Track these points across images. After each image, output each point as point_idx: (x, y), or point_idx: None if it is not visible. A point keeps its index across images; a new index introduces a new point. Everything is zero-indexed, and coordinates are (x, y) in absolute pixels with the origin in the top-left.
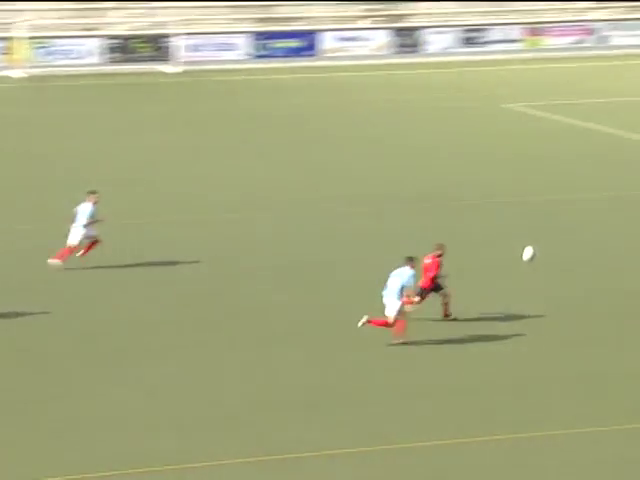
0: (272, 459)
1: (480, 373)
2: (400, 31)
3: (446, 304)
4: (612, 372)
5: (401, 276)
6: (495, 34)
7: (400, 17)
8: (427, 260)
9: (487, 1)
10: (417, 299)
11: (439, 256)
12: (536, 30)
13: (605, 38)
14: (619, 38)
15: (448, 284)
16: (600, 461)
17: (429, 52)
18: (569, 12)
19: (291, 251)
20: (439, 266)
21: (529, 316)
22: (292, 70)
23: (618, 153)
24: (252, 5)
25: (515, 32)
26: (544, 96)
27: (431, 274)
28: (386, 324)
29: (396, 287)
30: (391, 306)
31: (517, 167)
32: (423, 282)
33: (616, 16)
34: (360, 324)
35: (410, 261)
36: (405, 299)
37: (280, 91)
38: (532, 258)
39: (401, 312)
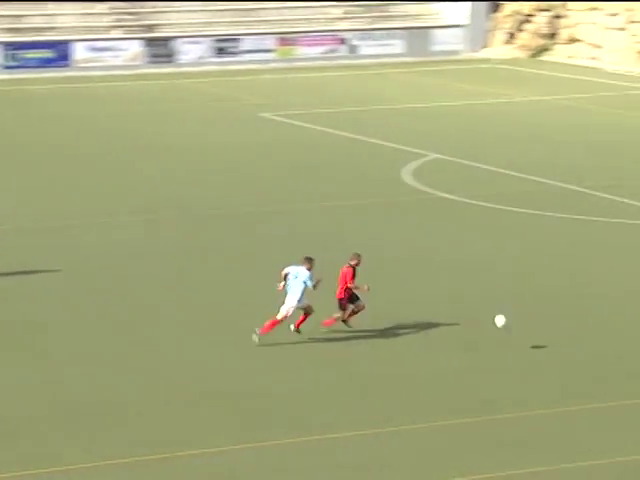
0: (41, 472)
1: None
2: (153, 41)
3: (355, 312)
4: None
5: (299, 277)
6: (247, 44)
7: (152, 27)
8: (343, 270)
9: (238, 11)
10: (338, 315)
11: (354, 266)
12: (288, 40)
13: (355, 48)
14: (367, 48)
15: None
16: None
17: (183, 62)
18: (320, 22)
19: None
20: (352, 276)
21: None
22: (44, 81)
23: (370, 160)
24: (2, 15)
25: (267, 42)
26: (298, 105)
27: (343, 284)
28: (275, 323)
29: (296, 287)
30: (288, 303)
31: (272, 176)
32: (338, 293)
33: (364, 26)
34: (256, 340)
35: (307, 261)
36: (329, 320)
37: (32, 102)
38: (505, 325)
39: (292, 309)
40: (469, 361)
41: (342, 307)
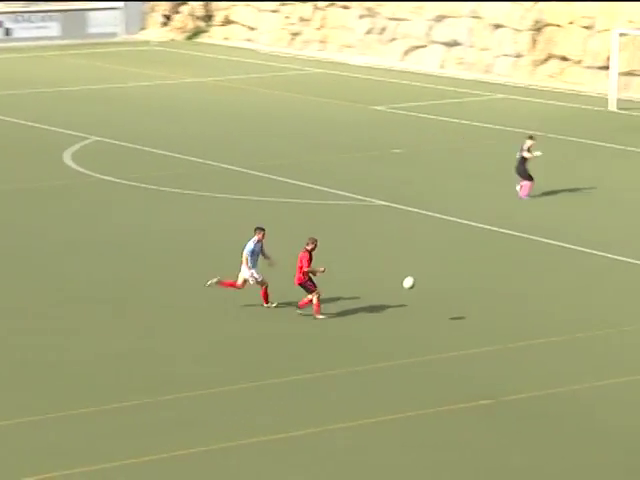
0: None
1: None
2: None
3: (311, 300)
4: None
5: (247, 245)
6: None
7: None
8: (300, 255)
9: None
10: (311, 295)
11: (310, 250)
12: None
13: (10, 30)
14: (23, 30)
15: None
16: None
17: None
18: None
19: None
20: (309, 260)
21: None
22: None
23: (30, 144)
24: None
25: None
26: None
27: (301, 268)
28: (233, 285)
29: (245, 255)
30: (243, 272)
31: None
32: (296, 279)
33: (18, 9)
34: (208, 284)
35: (257, 231)
36: (304, 300)
37: None
38: (412, 286)
39: (252, 279)
40: (144, 344)
41: (308, 289)
